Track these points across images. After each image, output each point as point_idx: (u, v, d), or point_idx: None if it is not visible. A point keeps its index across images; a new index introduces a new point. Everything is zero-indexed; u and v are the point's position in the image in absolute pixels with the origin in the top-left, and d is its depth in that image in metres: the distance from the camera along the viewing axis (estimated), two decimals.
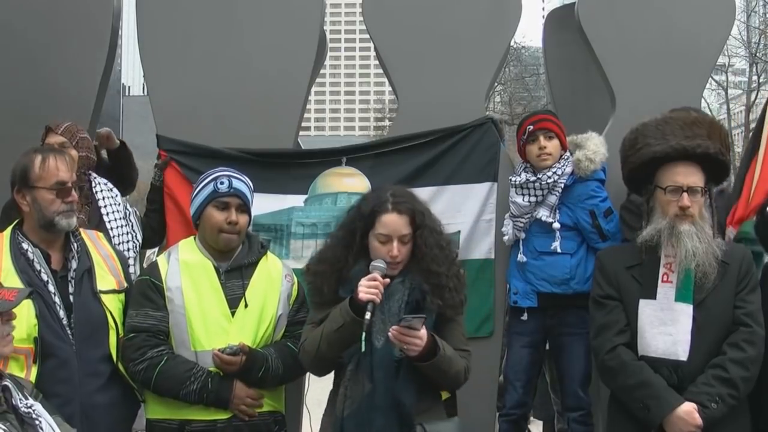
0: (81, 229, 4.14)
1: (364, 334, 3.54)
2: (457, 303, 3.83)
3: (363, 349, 3.56)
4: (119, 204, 4.84)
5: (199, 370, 3.94)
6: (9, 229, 3.97)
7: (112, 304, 3.98)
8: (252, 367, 3.95)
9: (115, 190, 4.91)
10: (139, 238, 4.85)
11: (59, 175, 3.91)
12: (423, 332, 3.60)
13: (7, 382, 3.22)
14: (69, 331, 3.81)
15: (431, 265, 3.77)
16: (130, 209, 4.94)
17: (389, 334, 3.58)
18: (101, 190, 4.80)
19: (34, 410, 3.19)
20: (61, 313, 3.81)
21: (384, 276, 3.65)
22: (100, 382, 3.87)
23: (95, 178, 4.83)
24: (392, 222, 3.75)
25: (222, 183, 4.07)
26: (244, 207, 4.13)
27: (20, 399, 3.21)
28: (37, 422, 3.17)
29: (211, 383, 3.93)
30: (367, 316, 3.54)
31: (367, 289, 3.58)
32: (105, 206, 4.76)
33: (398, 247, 3.74)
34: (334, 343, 3.68)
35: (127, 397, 4.01)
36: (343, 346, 3.68)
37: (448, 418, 3.85)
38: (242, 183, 4.14)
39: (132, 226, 4.84)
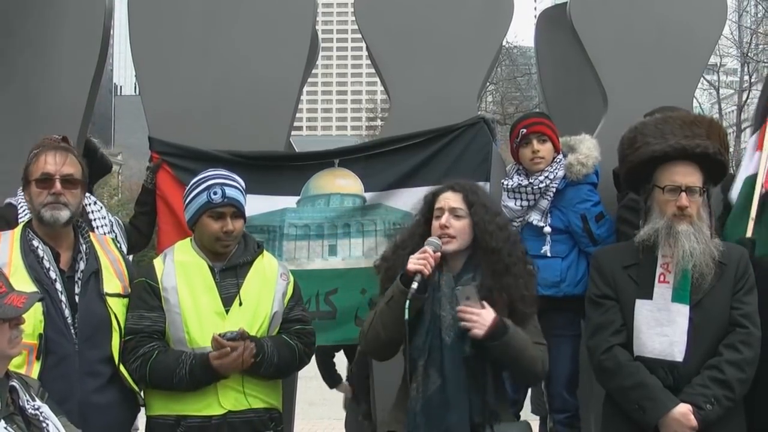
0: (91, 233, 4.18)
1: (408, 302, 3.64)
2: (527, 296, 3.86)
3: (407, 317, 3.64)
4: (105, 217, 4.87)
5: (186, 356, 3.94)
6: (20, 227, 4.04)
7: (117, 308, 4.00)
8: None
9: (99, 202, 4.94)
10: (124, 248, 4.86)
11: (45, 168, 3.95)
12: (488, 311, 3.69)
13: (15, 383, 3.23)
14: (72, 330, 3.84)
15: (490, 241, 3.85)
16: (113, 219, 4.96)
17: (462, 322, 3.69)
18: (88, 204, 4.81)
19: (41, 412, 3.21)
20: (66, 312, 3.84)
21: (436, 251, 3.78)
22: (99, 382, 3.88)
23: None
24: (446, 197, 3.93)
25: (215, 193, 4.07)
26: (239, 212, 4.14)
27: (27, 400, 3.22)
28: (44, 425, 3.17)
29: (195, 362, 3.92)
30: (414, 285, 3.67)
31: (416, 260, 3.72)
32: (95, 219, 4.79)
33: (447, 217, 3.87)
34: (385, 319, 3.78)
35: (127, 401, 4.00)
36: (393, 320, 3.73)
37: (519, 420, 3.89)
38: (235, 189, 4.14)
39: (116, 236, 4.85)
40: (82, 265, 3.97)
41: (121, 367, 3.97)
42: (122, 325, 3.99)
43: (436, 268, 3.83)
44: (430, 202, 3.99)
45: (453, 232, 3.86)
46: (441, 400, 3.69)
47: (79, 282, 3.93)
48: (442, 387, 3.70)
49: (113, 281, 4.05)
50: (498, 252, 3.83)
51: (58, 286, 3.86)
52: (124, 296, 4.06)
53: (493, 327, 3.67)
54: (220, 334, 3.88)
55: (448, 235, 3.85)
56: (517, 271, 3.85)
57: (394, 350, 3.90)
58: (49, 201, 3.92)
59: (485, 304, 3.72)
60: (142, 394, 4.08)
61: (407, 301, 3.65)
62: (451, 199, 3.92)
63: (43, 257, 3.90)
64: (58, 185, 3.93)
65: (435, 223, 3.90)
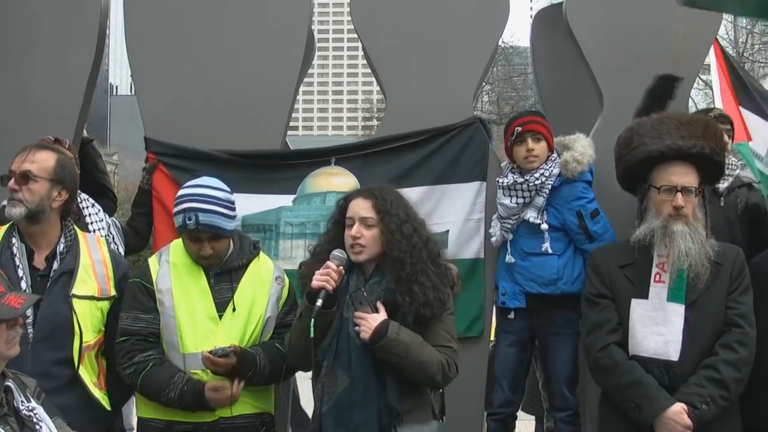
0: (81, 233, 4.17)
1: (312, 320, 3.62)
2: (432, 300, 3.76)
3: (311, 335, 3.62)
4: (102, 220, 4.86)
5: (179, 378, 3.92)
6: (8, 225, 4.05)
7: (84, 310, 3.96)
8: (241, 369, 3.94)
9: (97, 205, 4.92)
10: (122, 251, 4.85)
11: (11, 165, 4.00)
12: (376, 315, 3.69)
13: (10, 383, 3.21)
14: (30, 330, 3.82)
15: (392, 251, 3.81)
16: (110, 221, 4.95)
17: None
18: (86, 207, 4.82)
19: (35, 413, 3.18)
20: (28, 311, 3.79)
21: (339, 265, 3.75)
22: (54, 384, 3.79)
23: (80, 194, 4.82)
24: (356, 205, 3.88)
25: (189, 219, 3.96)
26: (217, 234, 4.04)
27: (22, 401, 3.20)
28: (37, 426, 3.16)
29: (186, 388, 3.91)
30: (318, 303, 3.65)
31: (319, 276, 3.69)
32: (92, 222, 4.78)
33: (358, 228, 3.82)
34: (299, 334, 3.76)
35: (89, 405, 3.96)
36: (303, 335, 3.70)
37: (432, 420, 3.85)
38: (210, 213, 3.98)
39: (114, 238, 4.85)
40: (55, 265, 3.96)
41: (81, 371, 3.92)
42: (85, 328, 3.93)
43: (348, 272, 3.83)
44: (342, 207, 3.93)
45: (363, 242, 3.81)
46: (348, 401, 3.67)
47: (50, 281, 3.93)
48: (350, 387, 3.68)
49: (88, 283, 4.02)
50: (401, 261, 3.78)
51: (23, 284, 3.86)
52: (99, 299, 4.04)
53: (375, 331, 3.65)
54: (210, 351, 3.87)
55: (359, 245, 3.81)
56: (422, 278, 3.77)
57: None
58: (9, 197, 3.97)
59: (379, 307, 3.71)
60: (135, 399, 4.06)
61: (312, 320, 3.62)
62: (361, 208, 3.86)
63: (16, 254, 3.92)
64: (11, 181, 3.96)
65: (347, 233, 3.86)
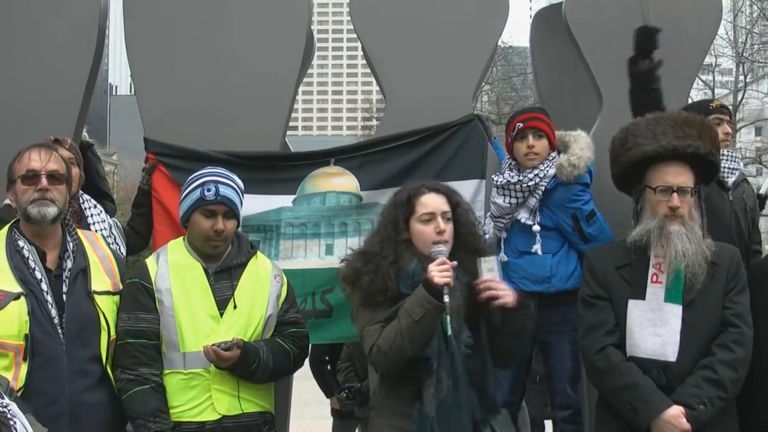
0: (79, 231, 4.15)
1: (448, 317, 3.60)
2: None
3: (450, 332, 3.60)
4: (104, 221, 4.86)
5: (164, 421, 3.91)
6: (7, 227, 3.99)
7: (106, 305, 3.97)
8: (245, 361, 3.95)
9: (99, 206, 4.93)
10: (123, 251, 4.86)
11: (30, 164, 3.92)
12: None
13: None
14: (60, 330, 3.81)
15: (476, 242, 3.91)
16: (111, 221, 4.96)
17: (486, 291, 3.71)
18: (88, 207, 4.83)
19: (9, 410, 3.21)
20: (53, 312, 3.81)
21: (452, 260, 3.73)
22: (89, 381, 3.85)
23: (82, 195, 4.85)
24: (432, 200, 3.87)
25: (209, 190, 4.03)
26: (232, 213, 4.10)
27: None
28: (11, 422, 3.17)
29: None
30: (446, 298, 3.60)
31: (441, 272, 3.64)
32: (94, 223, 4.78)
33: (444, 222, 3.82)
34: (415, 336, 3.65)
35: (116, 400, 3.97)
36: (425, 336, 3.66)
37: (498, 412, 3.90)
38: (229, 188, 4.10)
39: (115, 238, 4.85)
40: (69, 264, 3.94)
41: (108, 367, 3.95)
42: (111, 323, 3.96)
43: (417, 272, 3.81)
44: (406, 205, 3.90)
45: (448, 236, 3.83)
46: (455, 400, 3.65)
47: (67, 280, 3.91)
48: (455, 387, 3.65)
49: (102, 279, 4.02)
50: (479, 251, 3.89)
51: (44, 285, 3.83)
52: (114, 293, 4.04)
53: (519, 298, 3.74)
54: (215, 344, 3.88)
55: (445, 240, 3.81)
56: None
57: (413, 364, 3.75)
58: (35, 198, 3.88)
59: None
60: None
61: (448, 317, 3.60)
62: (439, 202, 3.87)
63: (28, 257, 3.87)
64: (44, 181, 3.90)
65: (425, 228, 3.82)
